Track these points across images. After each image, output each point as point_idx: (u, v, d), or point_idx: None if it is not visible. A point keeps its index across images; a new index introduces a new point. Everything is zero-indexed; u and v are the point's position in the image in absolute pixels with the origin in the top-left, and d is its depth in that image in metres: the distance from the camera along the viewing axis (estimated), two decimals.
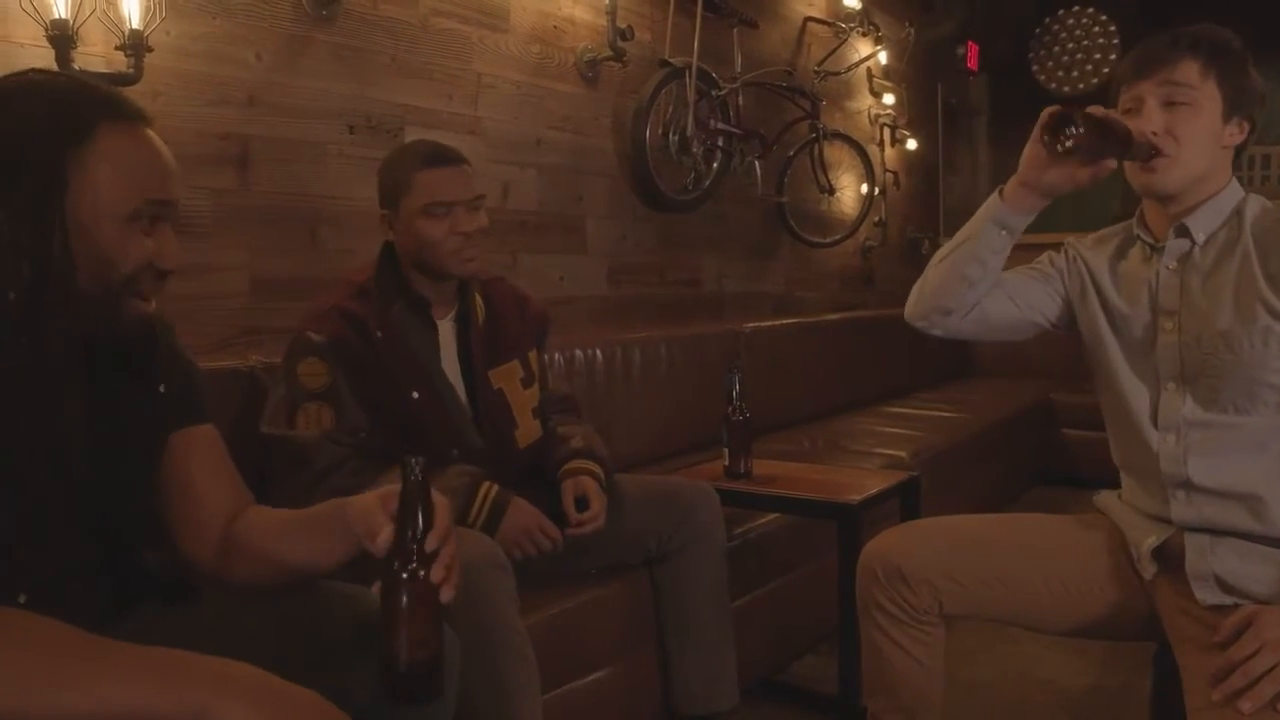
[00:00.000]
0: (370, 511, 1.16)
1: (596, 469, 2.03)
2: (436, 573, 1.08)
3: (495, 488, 1.88)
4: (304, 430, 1.85)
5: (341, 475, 1.80)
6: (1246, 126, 1.56)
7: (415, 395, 1.92)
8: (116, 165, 1.08)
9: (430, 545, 1.08)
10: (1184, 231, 1.58)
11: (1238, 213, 1.57)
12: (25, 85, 1.09)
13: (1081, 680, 2.53)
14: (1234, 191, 1.58)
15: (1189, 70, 1.51)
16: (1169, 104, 1.51)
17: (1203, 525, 1.52)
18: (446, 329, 2.02)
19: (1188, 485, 1.54)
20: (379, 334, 1.90)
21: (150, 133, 1.14)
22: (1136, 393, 1.62)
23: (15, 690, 0.86)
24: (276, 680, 0.94)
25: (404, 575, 1.07)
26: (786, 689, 2.57)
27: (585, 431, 2.13)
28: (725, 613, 2.11)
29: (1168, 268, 1.60)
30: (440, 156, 1.97)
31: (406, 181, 1.94)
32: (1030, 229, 1.62)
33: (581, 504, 1.97)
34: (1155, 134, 1.51)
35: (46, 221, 1.04)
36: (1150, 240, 1.63)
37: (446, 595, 1.09)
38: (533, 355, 2.15)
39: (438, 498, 1.13)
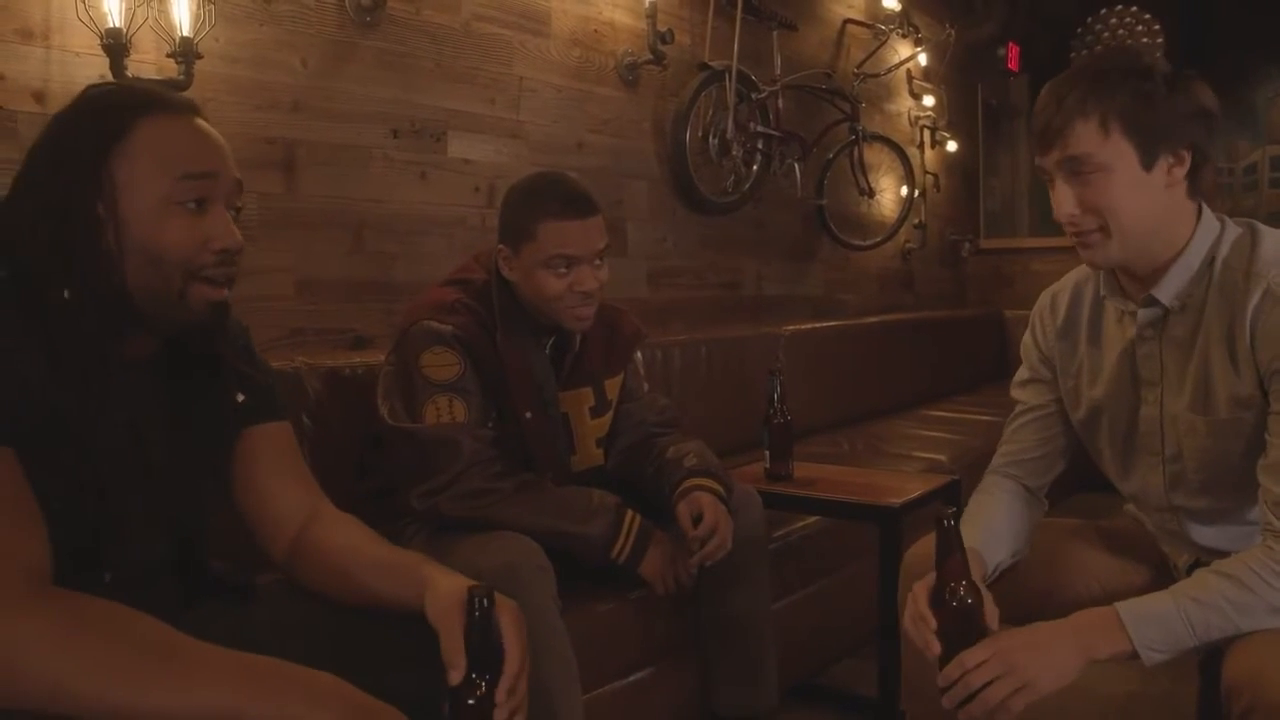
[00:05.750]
0: (448, 623, 1.12)
1: (714, 485, 1.93)
2: (500, 715, 1.08)
3: (638, 517, 1.85)
4: (434, 424, 1.78)
5: (485, 475, 1.78)
6: (1186, 155, 1.36)
7: (528, 415, 1.90)
8: (153, 153, 1.09)
9: (499, 698, 1.07)
10: (1153, 301, 1.44)
11: (1210, 264, 1.40)
12: (76, 98, 1.13)
13: (1124, 687, 2.50)
14: (1204, 237, 1.41)
15: (1085, 135, 1.35)
16: (1076, 175, 1.37)
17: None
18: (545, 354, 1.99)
19: (1199, 548, 1.52)
20: (503, 344, 1.87)
21: (196, 120, 1.15)
22: (1124, 467, 1.59)
23: (111, 684, 0.89)
24: (361, 693, 0.97)
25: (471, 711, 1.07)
26: (826, 692, 2.57)
27: (697, 448, 2.02)
28: (766, 615, 2.10)
29: (1143, 336, 1.48)
30: (571, 206, 1.84)
31: (531, 230, 1.84)
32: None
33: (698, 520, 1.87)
34: (1075, 214, 1.38)
35: (90, 219, 1.06)
36: (1122, 303, 1.51)
37: None
38: (610, 382, 2.08)
39: (509, 630, 1.11)
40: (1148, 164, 1.35)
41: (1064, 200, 1.39)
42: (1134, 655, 1.29)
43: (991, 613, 1.35)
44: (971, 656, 1.29)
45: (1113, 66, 1.36)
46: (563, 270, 1.84)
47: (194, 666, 0.93)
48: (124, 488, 1.09)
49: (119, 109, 1.10)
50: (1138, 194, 1.36)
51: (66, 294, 1.04)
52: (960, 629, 1.31)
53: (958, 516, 1.31)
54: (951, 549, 1.31)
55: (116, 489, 1.08)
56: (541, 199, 1.86)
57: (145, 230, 1.08)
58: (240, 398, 1.26)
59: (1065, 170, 1.38)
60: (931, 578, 1.36)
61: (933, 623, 1.33)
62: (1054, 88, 1.39)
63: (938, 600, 1.33)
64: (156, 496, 1.15)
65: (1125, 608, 1.31)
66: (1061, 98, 1.37)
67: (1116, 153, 1.34)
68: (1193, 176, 1.38)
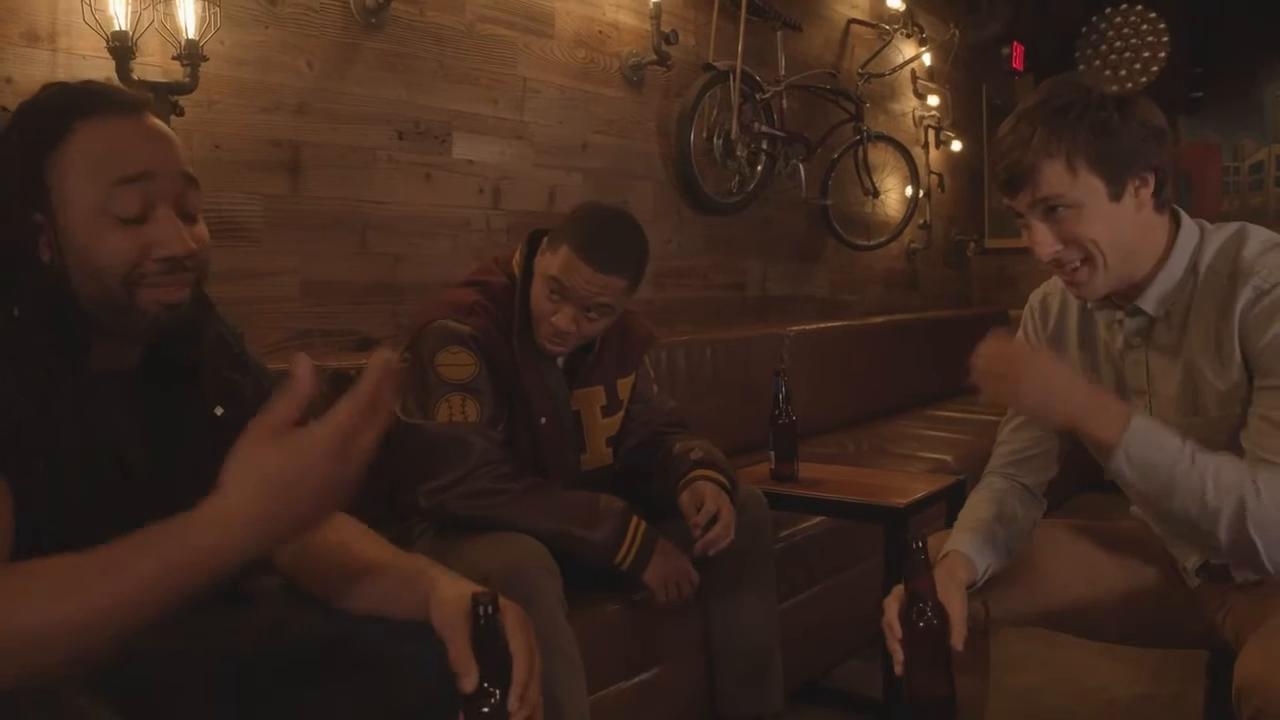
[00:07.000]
0: (454, 631, 1.09)
1: (718, 476, 1.95)
2: None
3: (644, 524, 1.85)
4: (444, 421, 1.80)
5: (493, 475, 1.79)
6: (1150, 177, 1.38)
7: (543, 420, 1.91)
8: (86, 160, 1.04)
9: (512, 706, 1.06)
10: (1138, 311, 1.46)
11: (1193, 269, 1.42)
12: (22, 103, 1.09)
13: (1132, 689, 2.49)
14: (1185, 245, 1.43)
15: (1053, 177, 1.36)
16: (1050, 213, 1.38)
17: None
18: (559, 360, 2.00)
19: (1207, 547, 1.51)
20: (519, 348, 1.88)
21: (137, 119, 1.09)
22: None
23: (55, 596, 0.87)
24: (273, 476, 0.95)
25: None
26: (831, 693, 2.57)
27: (704, 444, 2.04)
28: (772, 616, 2.10)
29: (1131, 344, 1.50)
30: (594, 251, 1.82)
31: (556, 244, 1.86)
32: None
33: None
34: (1059, 250, 1.39)
35: (29, 231, 1.03)
36: (1110, 314, 1.52)
37: None
38: (623, 382, 2.10)
39: (515, 635, 1.10)
40: (1116, 194, 1.37)
41: (1043, 240, 1.40)
42: (1109, 447, 1.33)
43: (959, 632, 1.38)
44: (992, 345, 1.37)
45: (1069, 102, 1.36)
46: (554, 296, 1.85)
47: (124, 551, 0.91)
48: (104, 500, 1.06)
49: (57, 113, 1.05)
50: (1112, 223, 1.37)
51: (16, 312, 1.01)
52: (926, 645, 1.37)
53: (925, 539, 1.37)
54: (918, 572, 1.36)
55: (95, 501, 1.05)
56: (582, 227, 1.87)
57: (83, 241, 1.03)
58: (219, 411, 1.20)
59: (1038, 211, 1.39)
60: (900, 591, 1.40)
61: (898, 632, 1.37)
62: (1014, 128, 1.40)
63: (906, 618, 1.37)
64: (139, 507, 1.10)
65: (1141, 417, 1.35)
66: (1024, 139, 1.37)
67: (1086, 189, 1.36)
68: (1158, 193, 1.40)
